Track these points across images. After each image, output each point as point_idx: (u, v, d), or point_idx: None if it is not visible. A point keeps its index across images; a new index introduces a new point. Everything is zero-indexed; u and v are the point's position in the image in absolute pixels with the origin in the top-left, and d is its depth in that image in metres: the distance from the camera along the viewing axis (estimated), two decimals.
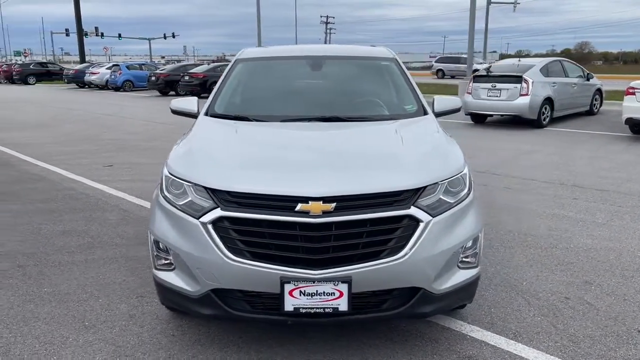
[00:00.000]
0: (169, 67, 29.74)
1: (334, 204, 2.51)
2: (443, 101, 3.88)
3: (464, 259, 2.83)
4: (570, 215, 5.47)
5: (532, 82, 12.05)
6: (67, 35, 62.16)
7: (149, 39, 79.29)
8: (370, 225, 2.55)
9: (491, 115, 13.30)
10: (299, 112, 3.64)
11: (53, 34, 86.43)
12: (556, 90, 12.68)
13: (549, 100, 12.47)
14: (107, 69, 32.06)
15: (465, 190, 2.86)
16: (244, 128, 3.41)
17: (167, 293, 2.81)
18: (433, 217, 2.63)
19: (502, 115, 12.98)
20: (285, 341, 3.01)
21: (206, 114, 3.71)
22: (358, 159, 2.88)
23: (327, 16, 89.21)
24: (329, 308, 2.53)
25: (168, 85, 26.12)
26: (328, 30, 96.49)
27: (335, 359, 2.85)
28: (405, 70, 4.04)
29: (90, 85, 33.11)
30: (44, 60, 56.90)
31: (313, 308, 2.53)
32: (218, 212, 2.58)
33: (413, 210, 2.59)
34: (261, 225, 2.54)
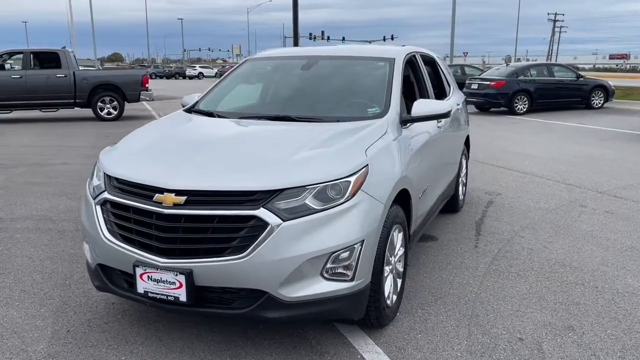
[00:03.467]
0: None
1: (184, 197, 2.63)
2: (421, 105, 3.57)
3: (335, 270, 2.67)
4: None
5: None
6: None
7: (369, 42, 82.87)
8: (218, 221, 2.59)
9: None
10: (261, 110, 3.76)
11: (286, 38, 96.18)
12: None
13: None
14: None
15: (344, 198, 2.68)
16: (192, 122, 3.66)
17: (86, 263, 3.23)
18: (284, 220, 2.56)
19: None
20: (176, 327, 3.20)
21: (189, 109, 4.03)
22: (240, 157, 2.90)
23: (556, 13, 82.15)
24: (171, 296, 2.66)
25: None
26: (558, 29, 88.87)
27: (210, 350, 2.94)
28: (395, 72, 3.80)
29: None
30: None
31: (158, 294, 2.68)
32: (104, 195, 2.90)
33: (261, 212, 2.56)
34: (128, 211, 2.78)
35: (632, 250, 4.50)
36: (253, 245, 2.55)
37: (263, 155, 2.91)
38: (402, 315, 3.35)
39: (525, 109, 16.36)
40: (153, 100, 16.37)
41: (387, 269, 3.09)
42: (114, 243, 2.80)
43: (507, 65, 17.51)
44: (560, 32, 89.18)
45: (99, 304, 3.48)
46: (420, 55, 4.70)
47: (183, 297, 2.63)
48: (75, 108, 15.13)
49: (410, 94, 4.33)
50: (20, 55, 14.75)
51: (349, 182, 2.73)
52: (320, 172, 2.71)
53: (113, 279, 2.95)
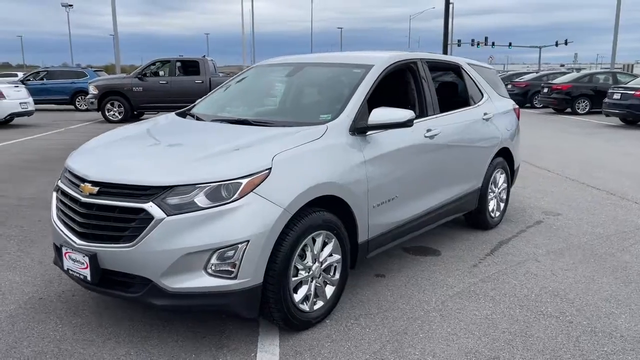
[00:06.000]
0: (529, 76, 26.51)
1: (97, 188, 2.96)
2: (379, 113, 3.48)
3: (220, 267, 2.80)
4: None
5: None
6: (459, 45, 67.07)
7: (540, 47, 77.66)
8: (119, 212, 2.88)
9: None
10: (230, 113, 3.97)
11: (447, 45, 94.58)
12: None
13: None
14: None
15: (231, 199, 2.80)
16: (165, 123, 3.99)
17: None
18: (168, 215, 2.76)
19: None
20: (121, 307, 3.53)
21: (184, 111, 4.37)
22: (160, 155, 3.17)
23: None
24: (81, 275, 3.00)
25: (522, 96, 23.42)
26: None
27: (130, 329, 3.23)
28: (365, 79, 3.72)
29: None
30: None
31: (75, 272, 3.05)
32: (58, 183, 3.37)
33: (149, 206, 2.79)
34: (67, 197, 3.20)
35: None
36: (140, 236, 2.79)
37: (177, 154, 3.14)
38: (332, 322, 3.32)
39: None
40: None
41: (302, 273, 3.11)
42: (56, 225, 3.24)
43: None
44: None
45: (46, 277, 3.97)
46: (429, 62, 4.52)
47: (89, 277, 2.96)
48: None
49: (402, 102, 4.21)
50: (168, 64, 16.74)
51: (240, 183, 2.83)
52: (212, 172, 2.86)
53: (61, 256, 3.39)
